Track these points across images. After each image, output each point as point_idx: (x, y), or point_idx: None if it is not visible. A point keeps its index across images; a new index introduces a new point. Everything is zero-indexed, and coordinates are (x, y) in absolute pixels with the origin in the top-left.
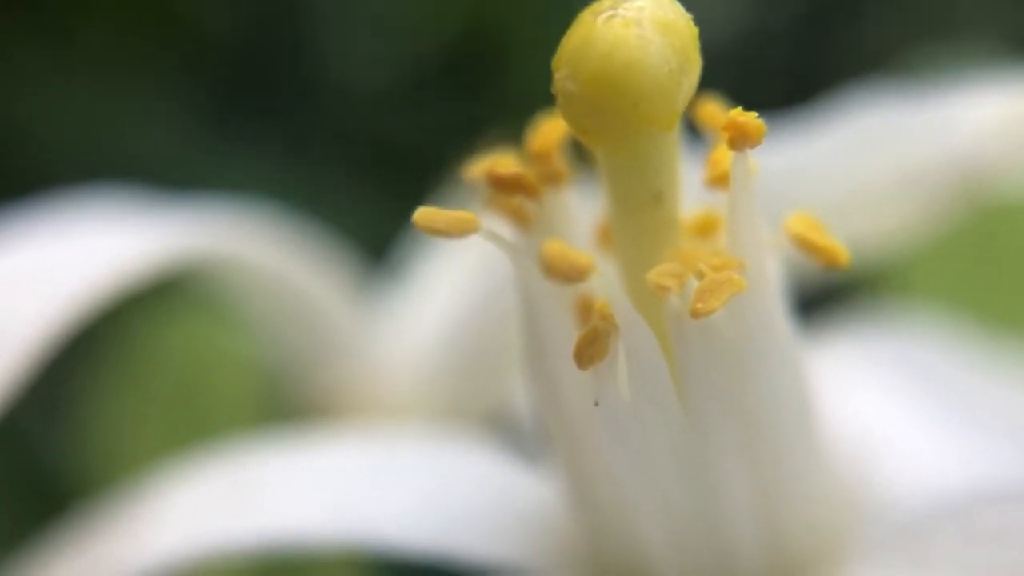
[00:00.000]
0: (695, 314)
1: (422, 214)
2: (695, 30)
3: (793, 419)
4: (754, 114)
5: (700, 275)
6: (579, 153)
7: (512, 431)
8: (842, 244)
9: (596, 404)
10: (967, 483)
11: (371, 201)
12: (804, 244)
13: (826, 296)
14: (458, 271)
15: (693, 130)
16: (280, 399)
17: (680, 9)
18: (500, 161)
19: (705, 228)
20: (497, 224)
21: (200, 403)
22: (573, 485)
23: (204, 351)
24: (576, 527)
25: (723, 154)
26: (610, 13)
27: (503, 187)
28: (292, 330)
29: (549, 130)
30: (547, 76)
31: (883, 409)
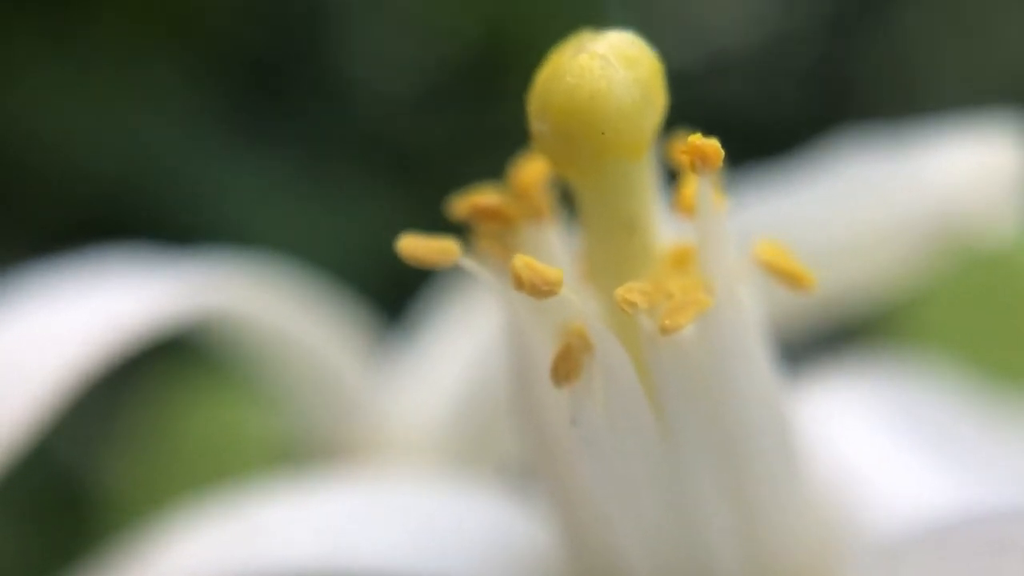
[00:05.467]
0: (663, 330)
1: (406, 243)
2: (658, 64)
3: (770, 442)
4: (714, 139)
5: (670, 296)
6: (564, 194)
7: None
8: (833, 289)
9: (573, 423)
10: (944, 510)
11: (389, 204)
12: (771, 268)
13: (832, 339)
14: (475, 328)
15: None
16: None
17: (644, 45)
18: (482, 194)
19: (685, 260)
20: (483, 257)
21: (223, 480)
22: (556, 507)
23: (231, 430)
24: (562, 552)
25: (691, 184)
26: (578, 49)
27: (485, 218)
28: (302, 387)
29: (532, 167)
30: None
31: (871, 447)
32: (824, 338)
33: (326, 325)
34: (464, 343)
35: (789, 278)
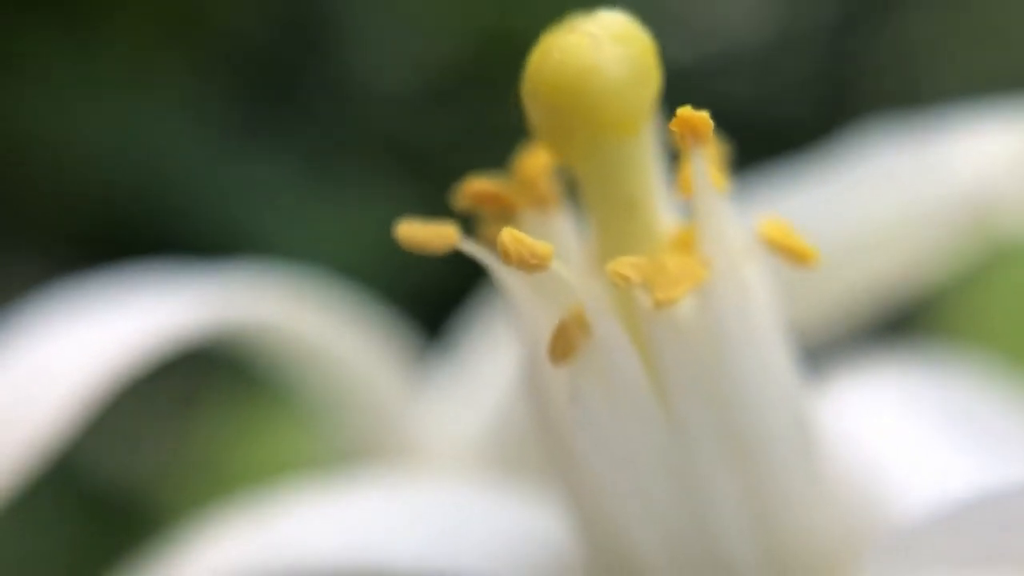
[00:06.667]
0: (658, 304)
1: (404, 228)
2: (651, 42)
3: (780, 428)
4: (705, 113)
5: (666, 271)
6: (572, 185)
7: None
8: (862, 281)
9: (571, 401)
10: (964, 491)
11: (396, 203)
12: (773, 244)
13: (870, 334)
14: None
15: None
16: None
17: (635, 24)
18: (484, 181)
19: (690, 241)
20: (487, 243)
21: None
22: (570, 499)
23: (282, 454)
24: (582, 547)
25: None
26: (569, 29)
27: (486, 203)
28: (341, 399)
29: (535, 156)
30: None
31: (899, 437)
32: (861, 333)
33: (364, 338)
34: (505, 356)
35: (791, 255)
